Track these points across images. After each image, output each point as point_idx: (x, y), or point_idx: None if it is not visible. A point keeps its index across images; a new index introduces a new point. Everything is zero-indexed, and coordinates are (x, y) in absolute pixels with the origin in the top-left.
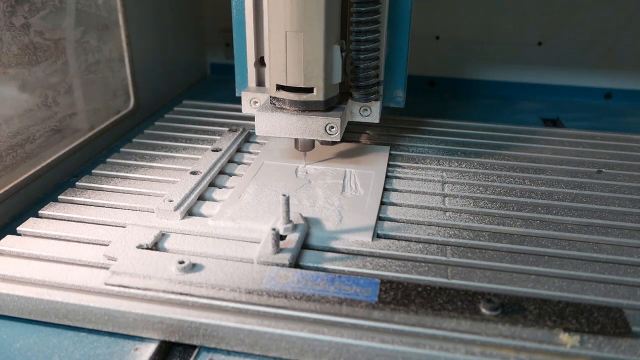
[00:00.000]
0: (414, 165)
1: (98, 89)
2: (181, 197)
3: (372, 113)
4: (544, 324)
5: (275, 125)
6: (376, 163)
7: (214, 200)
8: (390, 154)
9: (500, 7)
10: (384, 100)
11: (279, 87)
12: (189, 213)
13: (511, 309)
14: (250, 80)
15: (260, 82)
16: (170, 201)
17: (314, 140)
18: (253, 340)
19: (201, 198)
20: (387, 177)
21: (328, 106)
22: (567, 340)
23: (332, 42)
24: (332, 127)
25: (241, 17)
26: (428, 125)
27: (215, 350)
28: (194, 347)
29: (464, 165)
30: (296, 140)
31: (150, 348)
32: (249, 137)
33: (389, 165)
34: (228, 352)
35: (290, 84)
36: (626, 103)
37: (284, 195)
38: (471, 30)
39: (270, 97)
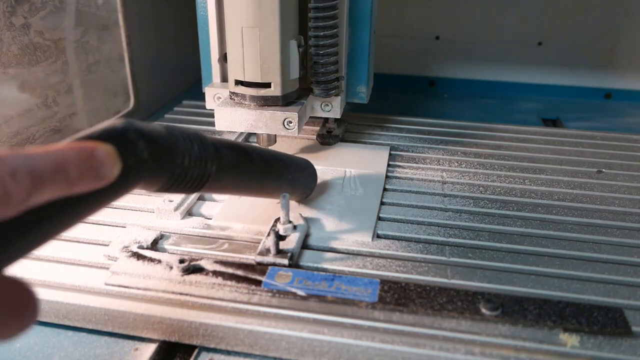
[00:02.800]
0: (414, 165)
1: (98, 88)
2: (181, 197)
3: (333, 108)
4: (544, 324)
5: (234, 120)
6: (376, 163)
7: (214, 201)
8: (390, 154)
9: (500, 7)
10: (347, 96)
11: (238, 83)
12: (189, 213)
13: (511, 309)
14: (214, 76)
15: (225, 78)
16: (170, 201)
17: (275, 135)
18: (253, 340)
19: (201, 198)
20: (387, 177)
21: (286, 101)
22: (567, 340)
23: (288, 37)
24: (290, 122)
25: (205, 14)
26: (428, 125)
27: (215, 350)
28: (194, 347)
29: (464, 165)
30: (257, 135)
31: (150, 348)
32: (249, 137)
33: (389, 165)
34: (228, 352)
35: (247, 79)
36: (626, 103)
37: (283, 195)
38: (471, 30)
39: (230, 92)
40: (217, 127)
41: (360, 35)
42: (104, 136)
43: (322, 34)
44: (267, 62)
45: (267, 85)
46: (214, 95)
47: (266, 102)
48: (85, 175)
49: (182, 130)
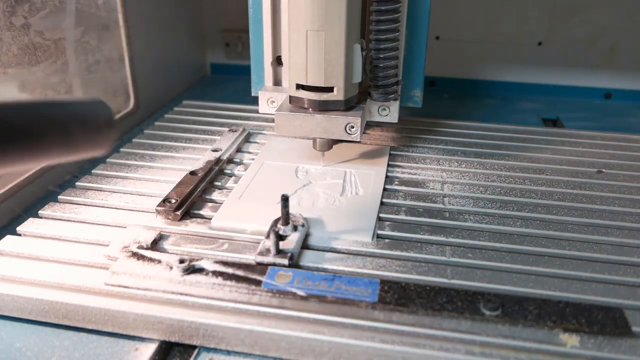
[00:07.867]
0: (414, 165)
1: (98, 89)
2: (181, 197)
3: (390, 112)
4: (544, 324)
5: (295, 125)
6: (376, 163)
7: (214, 201)
8: (390, 154)
9: (501, 7)
10: (402, 100)
11: (299, 87)
12: (189, 213)
13: (511, 309)
14: (267, 79)
15: (277, 82)
16: (171, 201)
17: (332, 140)
18: (253, 340)
19: (201, 198)
20: (387, 177)
21: (348, 105)
22: (567, 340)
23: (352, 41)
24: (353, 127)
25: (258, 16)
26: (428, 125)
27: (215, 350)
28: (194, 347)
29: (464, 165)
30: (314, 140)
31: (150, 348)
32: (249, 137)
33: (389, 165)
34: (228, 352)
35: (310, 83)
36: (626, 103)
37: (283, 195)
38: (471, 30)
39: (290, 96)
40: (277, 132)
41: (417, 38)
42: None
43: (383, 37)
44: (331, 66)
45: (329, 89)
46: (268, 99)
47: (328, 107)
48: None
49: None
